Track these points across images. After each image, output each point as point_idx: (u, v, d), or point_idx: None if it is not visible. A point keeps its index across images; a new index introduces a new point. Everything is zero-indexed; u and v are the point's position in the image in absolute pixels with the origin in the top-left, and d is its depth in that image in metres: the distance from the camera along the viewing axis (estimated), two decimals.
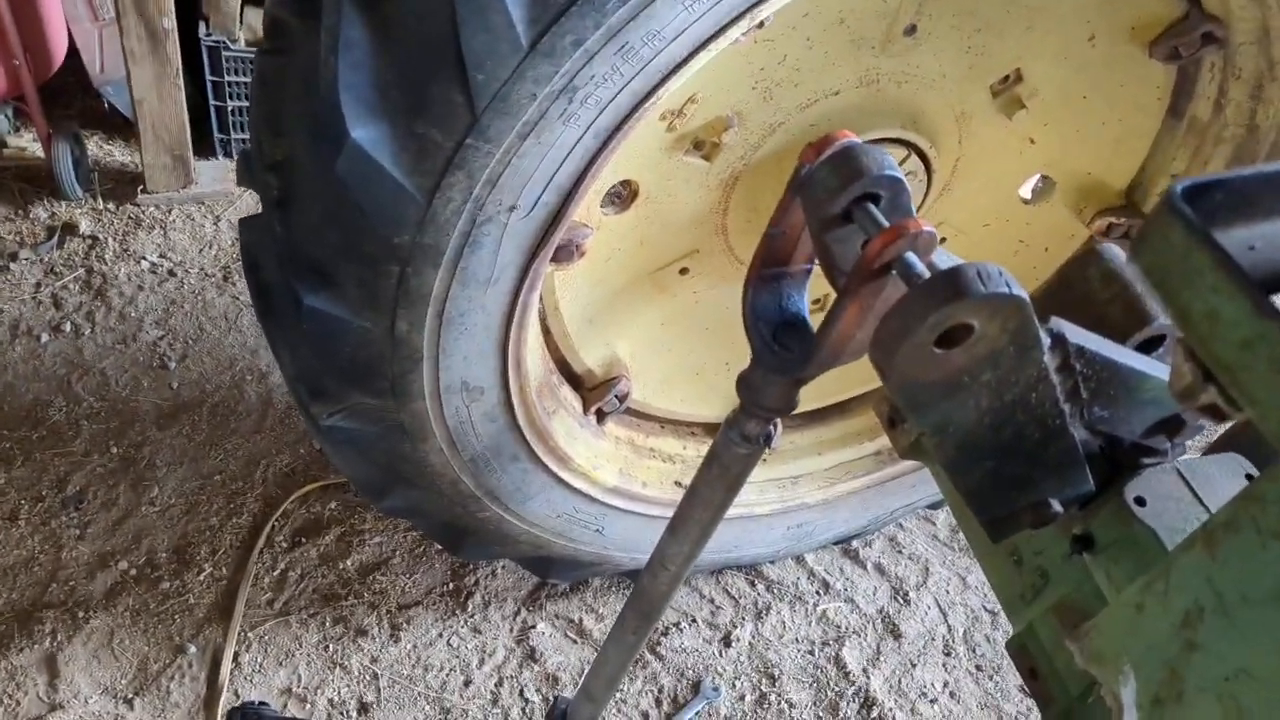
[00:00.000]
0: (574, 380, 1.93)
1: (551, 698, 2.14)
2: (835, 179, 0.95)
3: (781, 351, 1.05)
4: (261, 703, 1.89)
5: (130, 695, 2.02)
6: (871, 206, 0.96)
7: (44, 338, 2.59)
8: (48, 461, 2.34)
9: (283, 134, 1.25)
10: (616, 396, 1.94)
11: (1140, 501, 0.98)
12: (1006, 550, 1.31)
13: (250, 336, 2.69)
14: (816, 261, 1.06)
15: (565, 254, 1.56)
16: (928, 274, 0.87)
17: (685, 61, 1.21)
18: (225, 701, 2.02)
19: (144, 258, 2.83)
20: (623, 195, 1.69)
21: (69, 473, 2.33)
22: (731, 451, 1.12)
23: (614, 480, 1.98)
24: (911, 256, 0.89)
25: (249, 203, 3.07)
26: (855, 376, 2.07)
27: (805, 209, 0.99)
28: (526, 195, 1.25)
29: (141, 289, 2.76)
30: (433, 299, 1.33)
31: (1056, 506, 1.04)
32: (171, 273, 2.82)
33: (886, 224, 0.93)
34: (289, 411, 2.55)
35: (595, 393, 1.94)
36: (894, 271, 0.91)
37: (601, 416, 1.96)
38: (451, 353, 1.43)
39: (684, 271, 1.89)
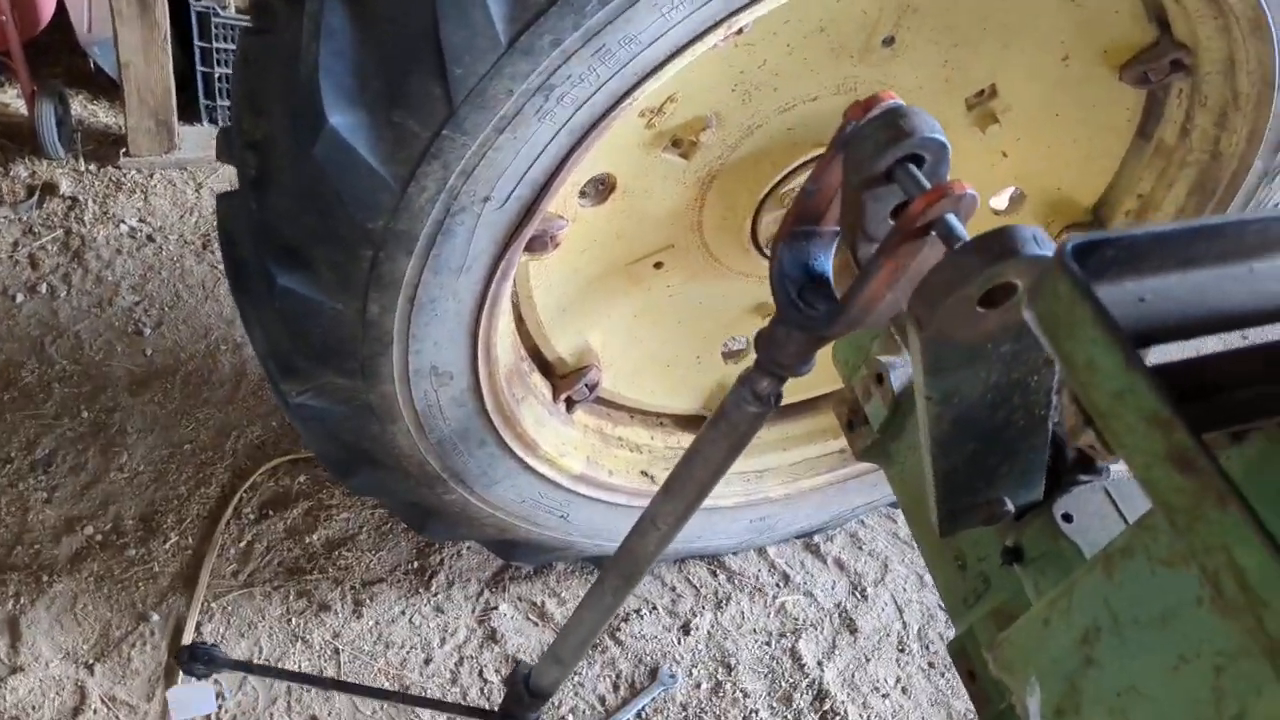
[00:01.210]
0: (545, 368, 1.96)
1: (513, 664, 2.17)
2: (881, 137, 0.95)
3: (807, 309, 1.06)
4: (213, 645, 1.91)
5: (91, 661, 2.04)
6: (914, 167, 0.96)
7: (19, 298, 2.59)
8: (18, 423, 2.34)
9: (263, 114, 1.27)
10: (586, 385, 1.97)
11: (1068, 517, 1.03)
12: (952, 554, 1.35)
13: (227, 306, 2.70)
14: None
15: (539, 244, 1.58)
16: (968, 237, 0.88)
17: (662, 65, 1.23)
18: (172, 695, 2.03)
19: (123, 221, 2.83)
20: (600, 188, 1.71)
21: (38, 436, 2.33)
22: (742, 410, 1.13)
23: (580, 468, 2.01)
24: (953, 218, 0.90)
25: (232, 171, 3.07)
26: (823, 375, 2.11)
27: (846, 166, 0.99)
28: (501, 187, 1.27)
29: (120, 253, 2.75)
30: (405, 284, 1.35)
31: (1009, 506, 1.08)
32: (150, 238, 2.82)
33: (928, 186, 0.93)
34: (262, 383, 2.56)
35: (565, 381, 1.97)
36: (934, 233, 0.91)
37: (571, 404, 1.99)
38: (422, 337, 1.46)
39: (658, 265, 1.92)
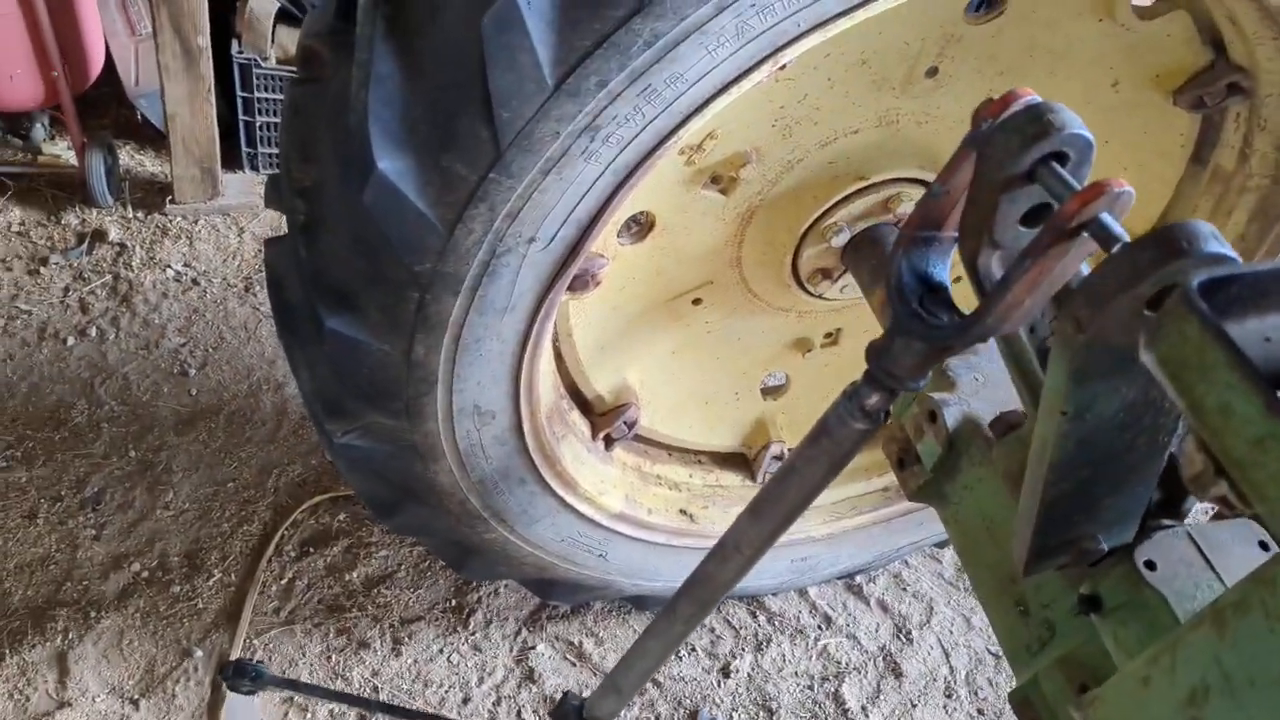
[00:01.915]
0: (584, 406, 1.96)
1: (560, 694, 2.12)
2: (1026, 133, 0.89)
3: (930, 319, 0.99)
4: (259, 661, 1.89)
5: (136, 696, 2.04)
6: (1058, 166, 0.90)
7: (70, 341, 2.64)
8: (68, 462, 2.38)
9: (312, 161, 1.28)
10: (625, 423, 1.96)
11: (1150, 565, 0.98)
12: (1012, 599, 1.30)
13: (268, 347, 2.73)
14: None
15: (581, 283, 1.58)
16: (1126, 237, 0.82)
17: (707, 103, 1.23)
18: (227, 708, 2.04)
19: (169, 266, 2.88)
20: (639, 226, 1.71)
21: (88, 474, 2.37)
22: (847, 427, 1.05)
23: (619, 506, 1.99)
24: (1109, 217, 0.84)
25: (273, 216, 3.12)
26: None
27: (981, 167, 0.93)
28: (546, 228, 1.27)
29: (166, 297, 2.80)
30: (450, 325, 1.35)
31: (1102, 545, 1.01)
32: (195, 281, 2.87)
33: (1077, 185, 0.87)
34: (302, 422, 2.58)
35: (604, 419, 1.96)
36: (1085, 234, 0.85)
37: (610, 443, 1.98)
38: (466, 377, 1.46)
39: (697, 302, 1.91)
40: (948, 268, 1.05)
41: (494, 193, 1.20)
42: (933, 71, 1.64)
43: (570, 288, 1.56)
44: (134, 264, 2.85)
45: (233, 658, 2.11)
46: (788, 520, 1.19)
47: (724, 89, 1.23)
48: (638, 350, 1.95)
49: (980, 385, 1.48)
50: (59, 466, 2.36)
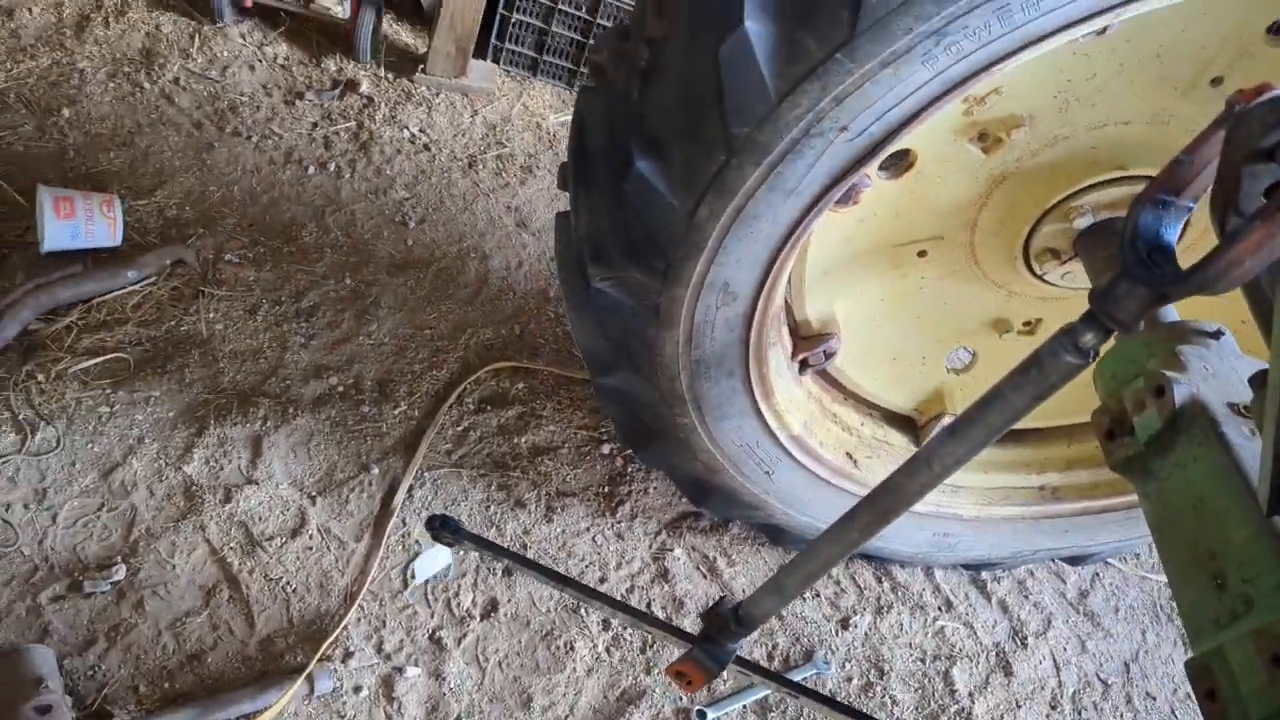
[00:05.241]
0: (790, 326, 2.04)
1: (687, 599, 2.21)
2: (1270, 118, 1.06)
3: (1154, 267, 1.10)
4: (459, 520, 2.00)
5: (314, 493, 2.23)
6: None
7: (310, 170, 2.86)
8: (291, 273, 2.59)
9: (665, 16, 1.40)
10: (824, 352, 2.04)
11: None
12: (1209, 574, 1.33)
13: (481, 220, 2.91)
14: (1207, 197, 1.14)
15: (846, 197, 1.67)
16: None
17: (1047, 37, 1.30)
18: (393, 525, 2.21)
19: (407, 127, 3.08)
20: (900, 163, 1.79)
21: (307, 288, 2.57)
22: (1058, 359, 1.14)
23: (798, 429, 2.08)
24: None
25: (505, 105, 3.30)
26: (1050, 409, 2.12)
27: (1230, 141, 1.08)
28: (860, 120, 1.36)
29: (399, 153, 3.01)
30: (739, 194, 1.46)
31: None
32: (426, 147, 3.06)
33: None
34: (500, 293, 2.75)
35: (806, 343, 2.04)
36: None
37: (804, 366, 2.07)
38: (730, 250, 1.56)
39: (922, 254, 1.97)
40: (1176, 232, 1.17)
41: (832, 73, 1.29)
42: (1217, 81, 1.66)
43: (836, 199, 1.64)
44: (377, 118, 3.07)
45: (404, 485, 2.28)
46: (984, 443, 1.25)
47: (1067, 26, 1.29)
48: (853, 285, 2.02)
49: (1209, 374, 1.51)
50: (283, 275, 2.58)
